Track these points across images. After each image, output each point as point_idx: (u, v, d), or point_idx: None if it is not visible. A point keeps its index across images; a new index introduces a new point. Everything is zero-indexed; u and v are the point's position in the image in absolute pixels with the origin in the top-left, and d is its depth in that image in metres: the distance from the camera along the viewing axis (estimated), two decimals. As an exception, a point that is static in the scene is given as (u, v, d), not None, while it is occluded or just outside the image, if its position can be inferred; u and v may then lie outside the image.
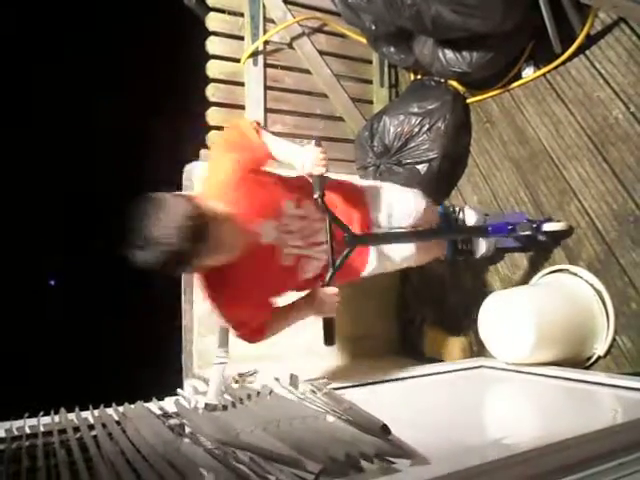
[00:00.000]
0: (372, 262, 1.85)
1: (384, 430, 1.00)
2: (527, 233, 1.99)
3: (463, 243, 2.22)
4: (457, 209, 2.32)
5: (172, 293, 2.31)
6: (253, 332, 1.58)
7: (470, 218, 2.27)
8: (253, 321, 1.56)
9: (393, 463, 0.93)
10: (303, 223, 1.62)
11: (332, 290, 1.58)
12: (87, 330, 5.26)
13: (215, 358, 1.43)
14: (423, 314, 2.64)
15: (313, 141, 1.58)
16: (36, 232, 5.33)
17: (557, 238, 2.07)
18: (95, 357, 4.96)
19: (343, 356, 2.48)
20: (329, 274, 1.58)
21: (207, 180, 1.59)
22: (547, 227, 2.01)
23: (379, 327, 2.70)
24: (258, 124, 1.69)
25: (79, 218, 5.52)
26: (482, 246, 2.25)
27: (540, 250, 2.16)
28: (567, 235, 2.04)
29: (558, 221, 2.05)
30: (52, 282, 6.45)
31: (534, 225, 1.99)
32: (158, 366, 2.99)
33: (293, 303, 1.66)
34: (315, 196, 1.55)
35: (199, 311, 2.27)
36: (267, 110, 2.65)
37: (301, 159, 1.57)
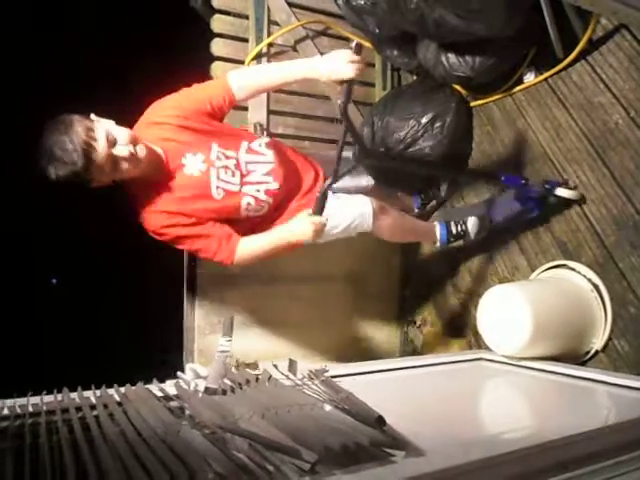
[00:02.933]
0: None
1: (379, 421, 1.01)
2: (539, 190, 1.96)
3: (457, 225, 2.12)
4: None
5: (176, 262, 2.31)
6: (210, 250, 1.70)
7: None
8: (202, 244, 1.69)
9: (388, 454, 0.94)
10: (234, 162, 1.75)
11: (318, 219, 1.63)
12: (88, 311, 5.28)
13: (218, 346, 1.45)
14: (423, 315, 2.65)
15: (354, 43, 1.56)
16: (35, 228, 5.35)
17: (566, 206, 2.05)
18: (95, 336, 4.99)
19: (343, 357, 2.49)
20: (329, 181, 1.59)
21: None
22: (560, 192, 1.98)
23: (379, 328, 2.70)
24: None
25: (78, 216, 5.53)
26: (474, 226, 2.15)
27: (540, 252, 2.17)
28: (578, 203, 2.02)
29: (573, 188, 2.02)
30: (54, 280, 6.47)
31: (547, 184, 1.96)
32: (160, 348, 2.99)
33: (267, 232, 1.78)
34: (339, 102, 1.52)
35: (201, 309, 2.29)
36: (270, 112, 2.67)
37: (329, 63, 1.56)
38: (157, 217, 1.66)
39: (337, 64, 1.53)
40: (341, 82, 1.53)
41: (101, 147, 1.49)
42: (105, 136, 1.51)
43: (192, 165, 1.69)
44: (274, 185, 1.81)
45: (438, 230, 2.13)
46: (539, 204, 2.09)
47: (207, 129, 1.73)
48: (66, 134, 1.46)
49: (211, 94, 1.73)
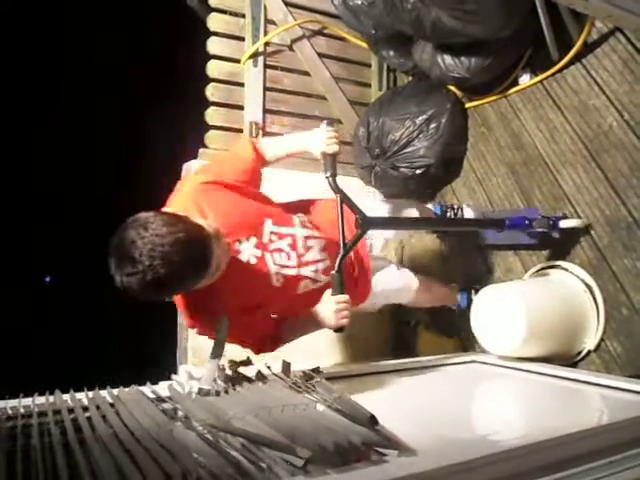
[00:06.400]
0: (373, 289, 1.81)
1: (372, 421, 1.01)
2: (543, 229, 1.95)
3: (476, 291, 2.15)
4: (455, 207, 2.33)
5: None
6: (256, 344, 1.53)
7: (469, 216, 2.30)
8: (249, 336, 1.51)
9: (380, 454, 0.94)
10: (290, 241, 1.53)
11: (341, 298, 1.44)
12: (81, 309, 5.27)
13: (212, 348, 1.44)
14: (418, 316, 2.66)
15: (325, 122, 1.57)
16: (34, 227, 5.34)
17: (571, 235, 2.02)
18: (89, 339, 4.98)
19: (337, 357, 2.49)
20: (339, 257, 1.46)
21: (176, 195, 1.47)
22: (564, 224, 1.97)
23: (373, 329, 2.71)
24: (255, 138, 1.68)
25: (77, 216, 5.52)
26: None
27: (535, 254, 2.18)
28: (582, 233, 2.00)
29: (574, 218, 2.02)
30: (48, 279, 6.45)
31: (551, 222, 1.96)
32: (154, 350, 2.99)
33: (300, 318, 1.57)
34: (326, 175, 1.51)
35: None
36: (266, 111, 2.67)
37: (314, 140, 1.55)
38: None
39: (319, 142, 1.54)
40: (324, 156, 1.54)
41: None
42: None
43: (247, 251, 1.45)
44: (328, 263, 1.59)
45: (459, 297, 2.26)
46: (542, 238, 2.07)
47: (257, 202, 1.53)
48: None
49: (246, 159, 1.58)
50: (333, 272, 1.45)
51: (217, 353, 1.39)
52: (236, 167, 1.55)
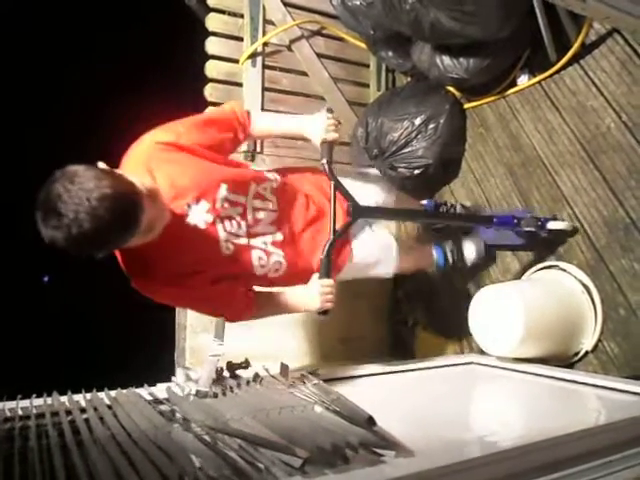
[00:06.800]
0: (354, 256, 1.73)
1: (369, 422, 1.02)
2: (531, 229, 1.96)
3: (453, 252, 2.21)
4: (449, 204, 2.34)
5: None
6: (230, 308, 1.51)
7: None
8: (207, 302, 1.49)
9: (378, 455, 0.95)
10: (240, 210, 1.48)
11: (326, 282, 1.48)
12: (79, 309, 5.26)
13: (210, 350, 1.44)
14: (415, 316, 2.67)
15: (325, 107, 1.57)
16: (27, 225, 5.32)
17: (559, 237, 2.05)
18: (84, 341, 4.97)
19: (334, 358, 2.49)
20: (329, 242, 1.48)
21: (135, 148, 1.42)
22: (551, 225, 1.99)
23: (371, 329, 2.71)
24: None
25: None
26: (471, 250, 2.26)
27: (532, 254, 2.18)
28: (570, 235, 2.03)
29: (562, 220, 2.04)
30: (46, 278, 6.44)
31: (539, 222, 1.97)
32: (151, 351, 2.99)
33: (280, 293, 1.57)
34: (323, 161, 1.52)
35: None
36: (264, 111, 2.66)
37: (312, 125, 1.55)
38: (157, 278, 1.40)
39: (319, 129, 1.53)
40: (322, 142, 1.54)
41: None
42: None
43: (196, 215, 1.40)
44: (278, 236, 1.57)
45: (435, 255, 2.20)
46: (530, 238, 2.10)
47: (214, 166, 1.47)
48: None
49: (224, 121, 1.54)
50: (321, 257, 1.48)
51: (219, 333, 1.40)
52: (201, 130, 1.48)
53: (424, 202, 2.42)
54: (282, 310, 1.59)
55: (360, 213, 1.57)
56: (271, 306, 1.57)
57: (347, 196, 1.56)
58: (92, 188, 1.11)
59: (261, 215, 1.52)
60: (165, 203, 1.31)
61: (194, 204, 1.39)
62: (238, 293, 1.51)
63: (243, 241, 1.48)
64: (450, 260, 2.20)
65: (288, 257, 1.56)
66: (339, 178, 1.58)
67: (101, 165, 1.23)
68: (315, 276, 1.50)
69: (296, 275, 1.58)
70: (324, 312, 1.50)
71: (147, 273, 1.38)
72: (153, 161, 1.37)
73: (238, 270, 1.49)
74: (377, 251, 1.82)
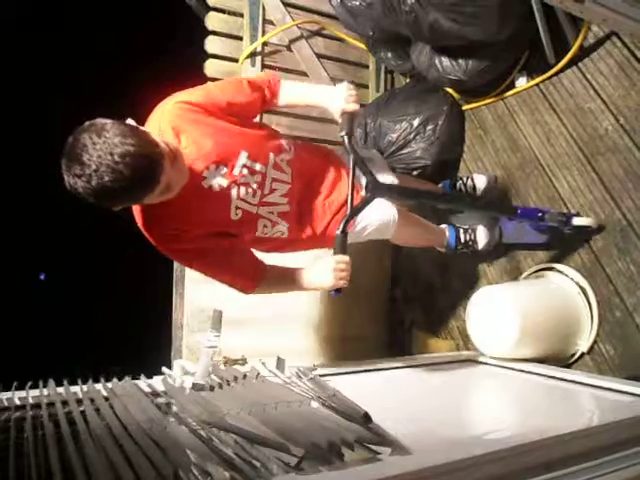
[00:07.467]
0: (356, 224, 1.70)
1: (366, 418, 1.01)
2: (554, 224, 1.89)
3: (466, 233, 2.13)
4: (464, 179, 2.31)
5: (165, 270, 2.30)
6: (234, 278, 1.53)
7: (480, 183, 2.28)
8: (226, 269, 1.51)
9: (374, 452, 0.94)
10: (259, 179, 1.50)
11: (342, 258, 1.42)
12: (76, 306, 5.25)
13: (206, 341, 1.43)
14: (412, 316, 2.66)
15: (345, 81, 1.56)
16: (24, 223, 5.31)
17: (582, 235, 1.98)
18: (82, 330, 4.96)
19: (331, 357, 2.49)
20: (345, 218, 1.43)
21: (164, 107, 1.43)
22: (577, 221, 1.91)
23: (368, 329, 2.71)
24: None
25: (75, 215, 5.50)
26: (483, 236, 2.17)
27: (530, 256, 2.19)
28: (595, 233, 1.95)
29: (587, 217, 1.96)
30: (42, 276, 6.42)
31: (564, 217, 1.90)
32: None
33: (294, 268, 1.57)
34: (342, 134, 1.47)
35: (190, 306, 2.28)
36: (263, 110, 2.67)
37: (331, 95, 1.54)
38: (167, 233, 1.45)
39: (339, 100, 1.52)
40: (342, 113, 1.51)
41: None
42: None
43: (212, 178, 1.43)
44: (286, 208, 1.60)
45: (447, 234, 2.14)
46: (552, 235, 2.04)
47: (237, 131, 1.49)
48: None
49: (255, 84, 1.55)
50: (338, 232, 1.42)
51: (216, 324, 1.39)
52: (228, 96, 1.49)
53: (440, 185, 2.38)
54: (294, 285, 1.57)
55: (379, 190, 1.50)
56: (283, 278, 1.58)
57: (366, 172, 1.50)
58: (116, 143, 1.15)
59: (277, 186, 1.55)
60: (185, 165, 1.34)
61: (213, 167, 1.42)
62: (250, 258, 1.55)
63: (252, 209, 1.51)
64: (462, 240, 2.13)
65: (291, 228, 1.60)
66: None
67: (129, 122, 1.26)
68: (329, 252, 1.46)
69: (292, 243, 1.63)
70: (338, 290, 1.45)
71: (159, 229, 1.42)
72: (179, 120, 1.39)
73: (240, 233, 1.53)
74: (377, 217, 1.77)
